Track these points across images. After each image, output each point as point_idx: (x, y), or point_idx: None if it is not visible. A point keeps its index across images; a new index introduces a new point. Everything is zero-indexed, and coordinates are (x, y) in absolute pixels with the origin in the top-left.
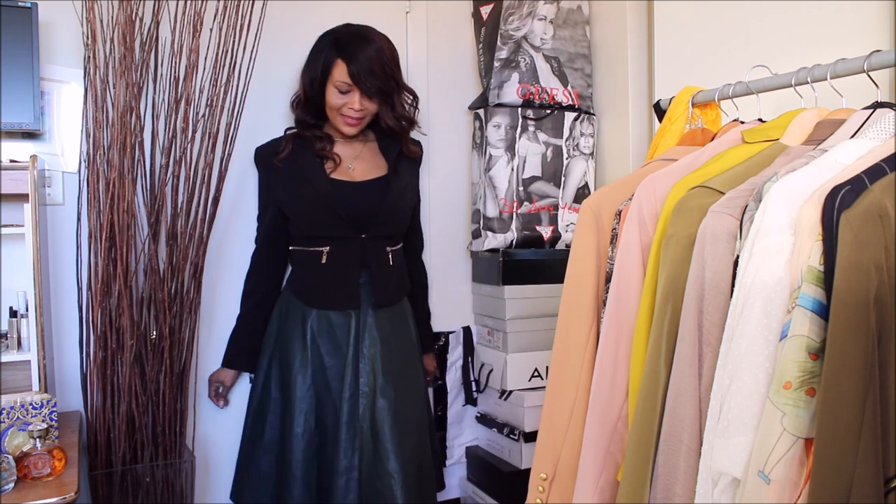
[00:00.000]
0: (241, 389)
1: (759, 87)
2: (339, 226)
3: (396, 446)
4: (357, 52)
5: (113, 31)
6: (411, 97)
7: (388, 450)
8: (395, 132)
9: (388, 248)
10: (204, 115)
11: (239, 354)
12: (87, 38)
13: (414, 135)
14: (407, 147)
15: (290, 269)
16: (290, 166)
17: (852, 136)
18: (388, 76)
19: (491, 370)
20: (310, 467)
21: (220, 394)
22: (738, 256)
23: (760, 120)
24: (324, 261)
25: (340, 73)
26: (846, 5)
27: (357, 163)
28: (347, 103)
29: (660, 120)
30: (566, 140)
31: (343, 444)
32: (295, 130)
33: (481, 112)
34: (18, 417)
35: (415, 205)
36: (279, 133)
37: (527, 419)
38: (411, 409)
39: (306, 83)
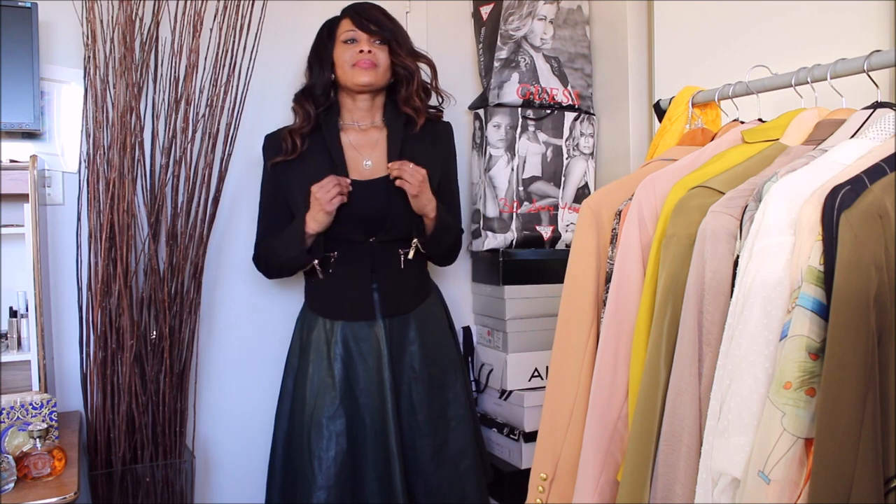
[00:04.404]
0: (242, 388)
1: (759, 87)
2: (346, 229)
3: (433, 471)
4: (357, 6)
5: (113, 31)
6: (428, 65)
7: (426, 470)
8: (406, 78)
9: (402, 251)
10: (204, 115)
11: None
12: (87, 38)
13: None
14: (411, 104)
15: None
16: (303, 157)
17: (852, 136)
18: (389, 19)
19: (491, 370)
20: (343, 491)
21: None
22: (738, 256)
23: (760, 120)
24: (332, 268)
25: (344, 26)
26: (846, 5)
27: (375, 155)
28: (355, 50)
29: (660, 120)
30: (566, 140)
31: (372, 470)
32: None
33: (481, 112)
34: (18, 417)
35: (441, 192)
36: None
37: (527, 419)
38: (449, 428)
39: (314, 60)
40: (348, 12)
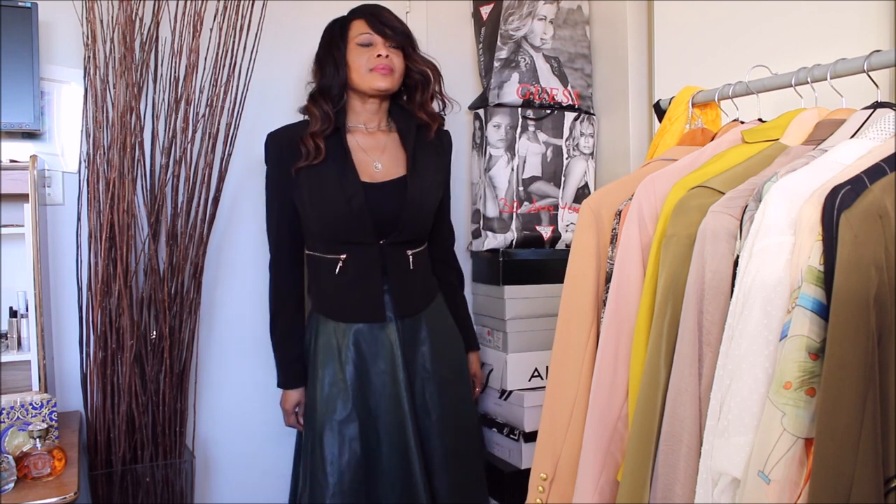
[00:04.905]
0: (242, 388)
1: (759, 87)
2: (359, 231)
3: (445, 471)
4: (369, 8)
5: (113, 31)
6: (432, 71)
7: (438, 470)
8: (422, 84)
9: (409, 252)
10: (204, 115)
11: (301, 372)
12: (87, 38)
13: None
14: (426, 109)
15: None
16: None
17: (852, 136)
18: (402, 24)
19: (491, 370)
20: (357, 496)
21: (299, 414)
22: (738, 256)
23: (760, 120)
24: (341, 271)
25: (358, 27)
26: (846, 5)
27: (384, 157)
28: (372, 54)
29: (660, 120)
30: (566, 140)
31: (388, 472)
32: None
33: (481, 112)
34: (18, 417)
35: (442, 200)
36: None
37: (527, 419)
38: (460, 427)
39: (326, 59)
40: (362, 14)
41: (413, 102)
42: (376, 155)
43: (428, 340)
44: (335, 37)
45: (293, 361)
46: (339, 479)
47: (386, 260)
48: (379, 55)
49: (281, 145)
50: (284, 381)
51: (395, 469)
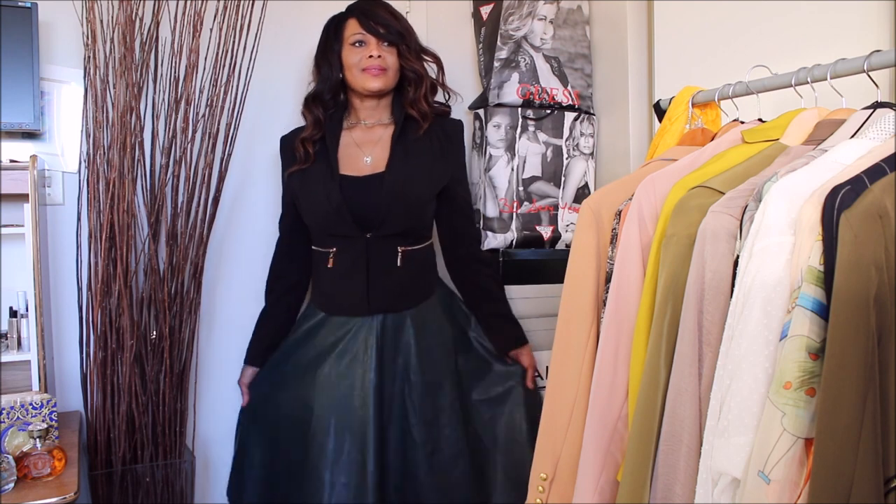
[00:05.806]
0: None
1: (759, 87)
2: (342, 224)
3: (425, 475)
4: (364, 6)
5: (113, 31)
6: (434, 62)
7: (416, 476)
8: (415, 82)
9: (400, 248)
10: (204, 115)
11: (259, 352)
12: (87, 38)
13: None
14: (418, 107)
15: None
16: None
17: (852, 136)
18: (397, 19)
19: None
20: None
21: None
22: (738, 256)
23: (760, 120)
24: (330, 264)
25: (352, 27)
26: (846, 5)
27: (375, 151)
28: (364, 54)
29: (660, 120)
30: (566, 140)
31: (370, 469)
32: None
33: (481, 112)
34: (18, 417)
35: (446, 192)
36: (279, 132)
37: None
38: (442, 432)
39: (321, 60)
40: (355, 12)
41: (405, 99)
42: (368, 149)
43: (413, 344)
44: (330, 37)
45: (259, 339)
46: (329, 473)
47: (370, 254)
48: (371, 55)
49: (286, 148)
50: (249, 358)
51: (354, 463)
